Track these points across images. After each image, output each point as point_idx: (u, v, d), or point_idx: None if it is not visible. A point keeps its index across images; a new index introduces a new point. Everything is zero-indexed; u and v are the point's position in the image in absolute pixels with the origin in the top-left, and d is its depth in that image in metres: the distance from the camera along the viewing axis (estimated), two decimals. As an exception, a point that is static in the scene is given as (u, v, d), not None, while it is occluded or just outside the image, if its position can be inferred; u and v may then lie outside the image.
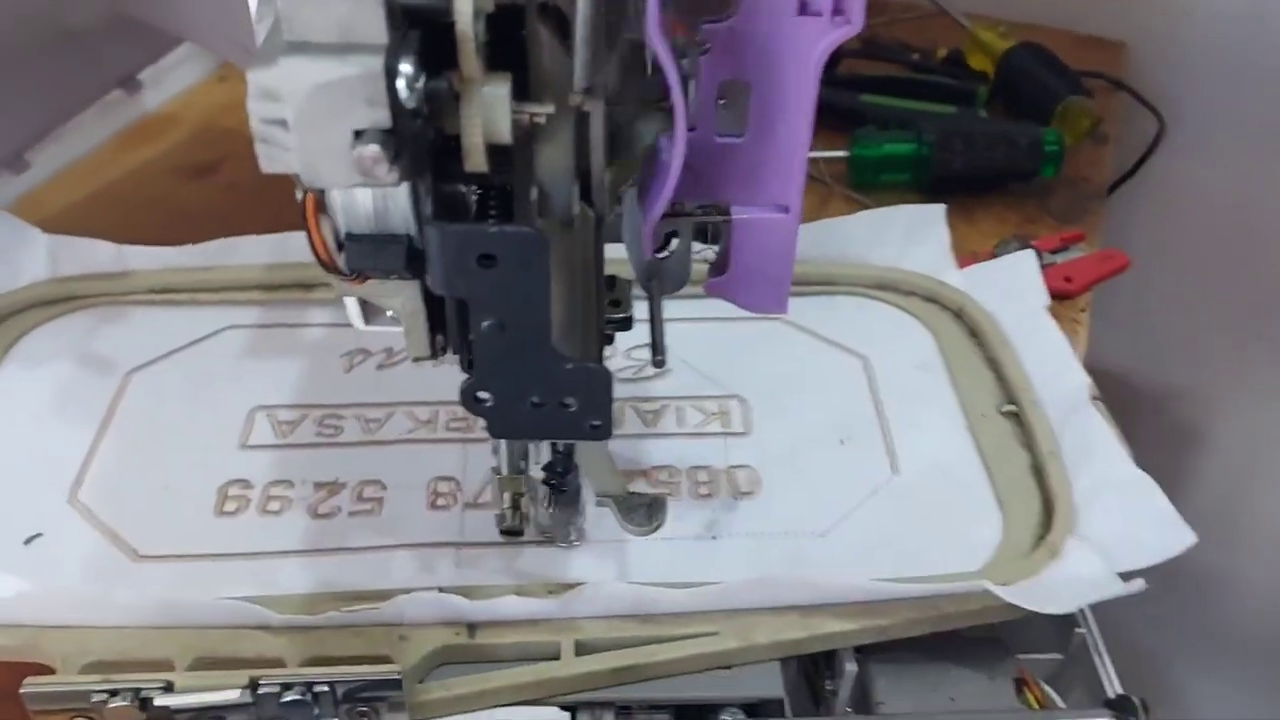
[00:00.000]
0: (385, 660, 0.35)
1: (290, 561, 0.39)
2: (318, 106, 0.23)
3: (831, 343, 0.49)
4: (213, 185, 0.64)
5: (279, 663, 0.35)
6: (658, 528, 0.37)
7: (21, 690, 0.32)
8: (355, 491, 0.42)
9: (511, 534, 0.37)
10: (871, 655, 0.36)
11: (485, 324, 0.27)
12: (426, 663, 0.35)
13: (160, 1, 0.49)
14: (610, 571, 0.38)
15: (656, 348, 0.33)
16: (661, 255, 0.33)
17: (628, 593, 0.36)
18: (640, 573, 0.38)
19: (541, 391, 0.29)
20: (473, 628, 0.36)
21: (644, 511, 0.37)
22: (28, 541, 0.40)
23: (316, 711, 0.33)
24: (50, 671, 0.34)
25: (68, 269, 0.50)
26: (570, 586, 0.37)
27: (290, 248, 0.51)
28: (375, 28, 0.23)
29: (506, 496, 0.36)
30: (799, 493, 0.42)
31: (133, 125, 0.69)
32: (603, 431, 0.29)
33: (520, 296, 0.27)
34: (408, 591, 0.37)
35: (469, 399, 0.29)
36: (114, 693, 0.32)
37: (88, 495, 0.42)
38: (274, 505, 0.42)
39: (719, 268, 0.33)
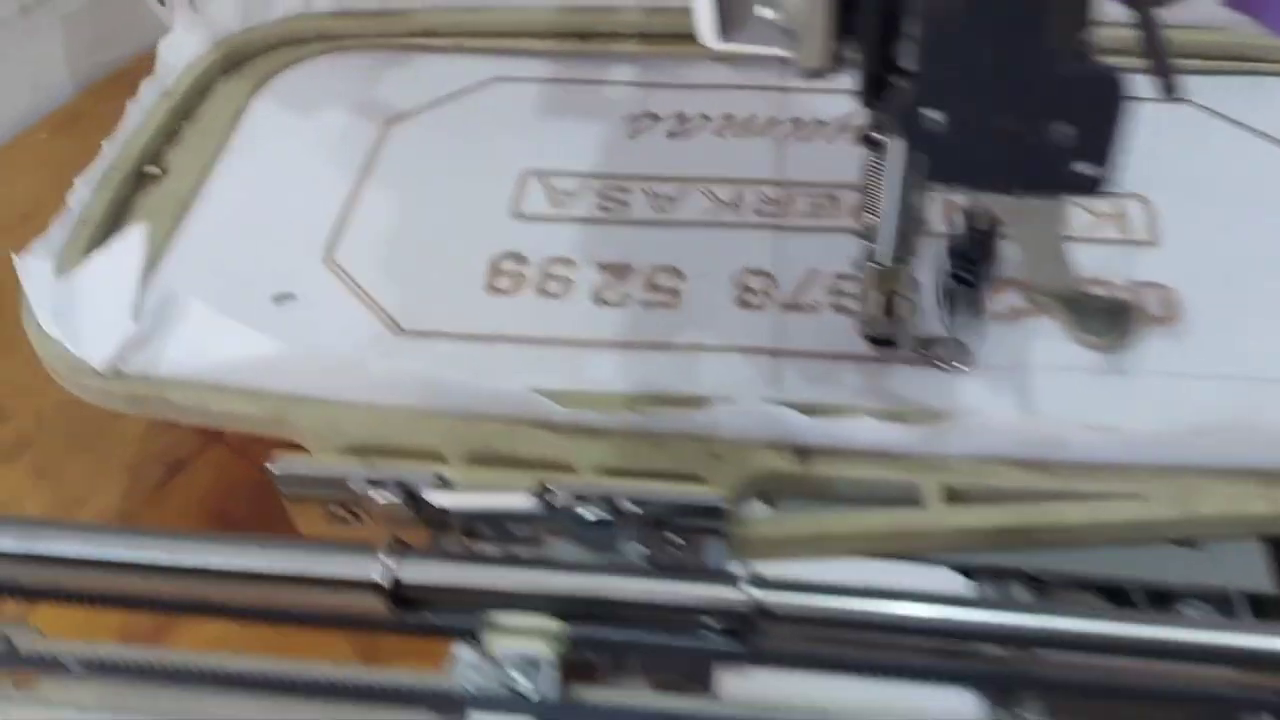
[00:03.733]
0: (694, 479, 0.28)
1: (574, 353, 0.33)
2: None
3: (1264, 136, 0.37)
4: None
5: (566, 468, 0.28)
6: (1122, 341, 0.28)
7: (270, 466, 0.27)
8: (647, 278, 0.35)
9: (880, 343, 0.29)
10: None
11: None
12: (744, 489, 0.28)
13: None
14: (990, 403, 0.29)
15: (1162, 73, 0.23)
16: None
17: (1024, 427, 0.27)
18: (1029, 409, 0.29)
19: (1022, 108, 0.19)
20: (804, 453, 0.28)
21: (1104, 318, 0.28)
22: (278, 301, 0.34)
23: (616, 532, 0.26)
24: (301, 450, 0.29)
25: (320, 4, 0.44)
26: (938, 416, 0.28)
27: None
28: None
29: (874, 296, 0.28)
30: (1237, 325, 0.31)
31: None
32: (1100, 182, 0.20)
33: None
34: (724, 401, 0.30)
35: (909, 119, 0.20)
36: (377, 483, 0.26)
37: (345, 256, 0.36)
38: (553, 286, 0.35)
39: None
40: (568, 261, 0.35)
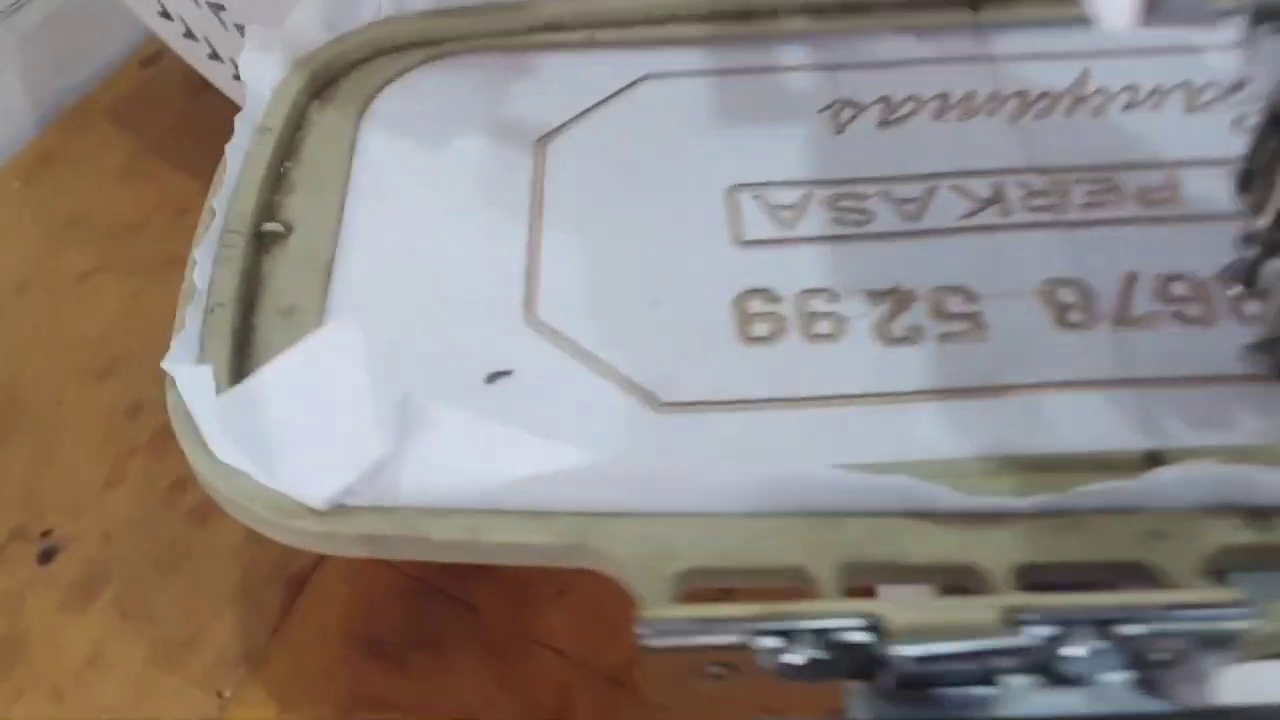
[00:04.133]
0: (1135, 566, 0.22)
1: (888, 411, 0.26)
2: None
3: None
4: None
5: (969, 571, 0.22)
6: None
7: (640, 629, 0.20)
8: (933, 304, 0.28)
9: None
10: None
11: None
12: (1199, 571, 0.22)
13: None
14: None
15: None
16: None
17: None
18: None
19: None
20: (1262, 515, 0.23)
21: None
22: (491, 380, 0.27)
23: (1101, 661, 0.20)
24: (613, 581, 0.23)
25: (415, 2, 0.36)
26: None
27: None
28: None
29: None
30: None
31: None
32: None
33: None
34: (1105, 454, 0.24)
35: None
36: (776, 631, 0.20)
37: (551, 314, 0.29)
38: (821, 325, 0.28)
39: None
40: (827, 293, 0.29)
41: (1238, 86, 0.33)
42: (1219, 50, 0.34)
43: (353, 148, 0.33)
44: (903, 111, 0.34)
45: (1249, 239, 0.25)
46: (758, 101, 0.34)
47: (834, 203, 0.31)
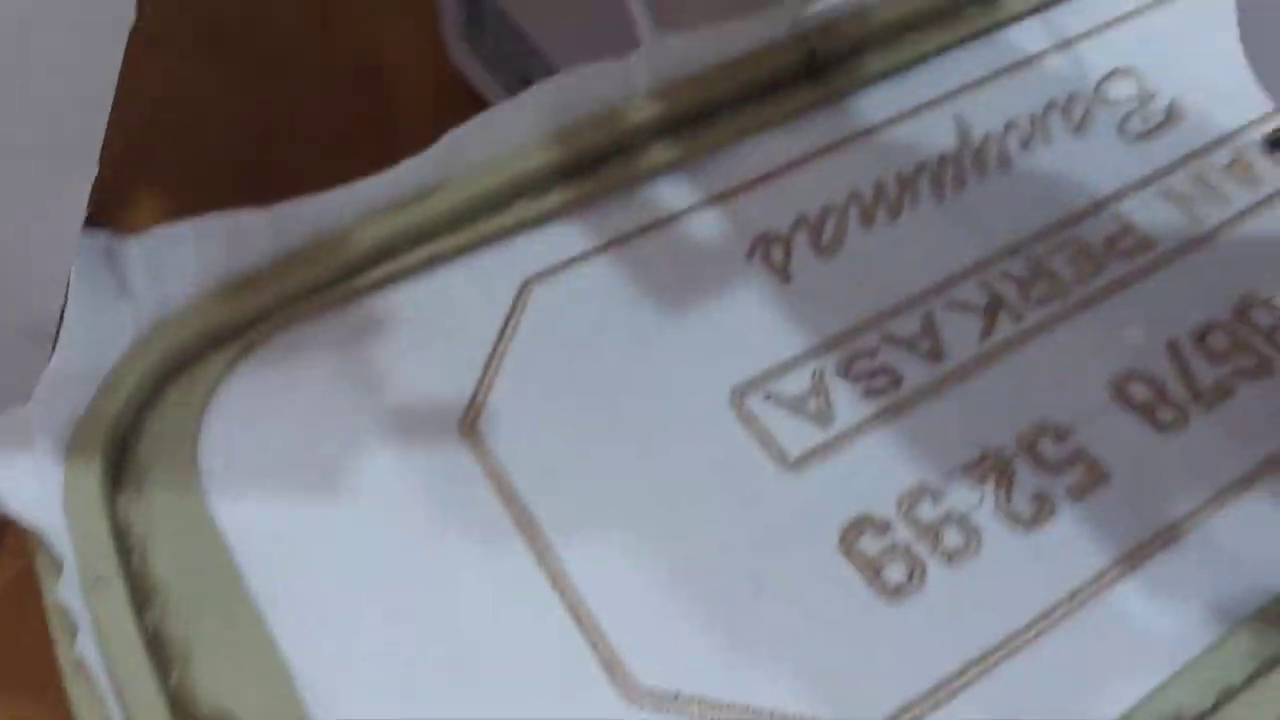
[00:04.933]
0: None
1: (1093, 608, 0.22)
2: None
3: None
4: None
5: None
6: None
7: None
8: (1029, 459, 0.25)
9: None
10: None
11: None
12: None
13: None
14: None
15: None
16: None
17: None
18: None
19: None
20: None
21: None
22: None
23: None
24: None
25: (207, 279, 0.25)
26: None
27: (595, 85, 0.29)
28: None
29: None
30: None
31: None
32: None
33: None
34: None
35: None
36: None
37: (652, 674, 0.21)
38: (952, 538, 0.24)
39: None
40: (930, 494, 0.24)
41: (1098, 94, 0.33)
42: (1056, 53, 0.33)
43: (216, 534, 0.23)
44: (829, 231, 0.29)
45: None
46: (673, 269, 0.28)
47: (848, 370, 0.26)
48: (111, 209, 0.38)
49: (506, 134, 0.28)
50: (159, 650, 0.21)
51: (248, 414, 0.25)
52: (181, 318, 0.25)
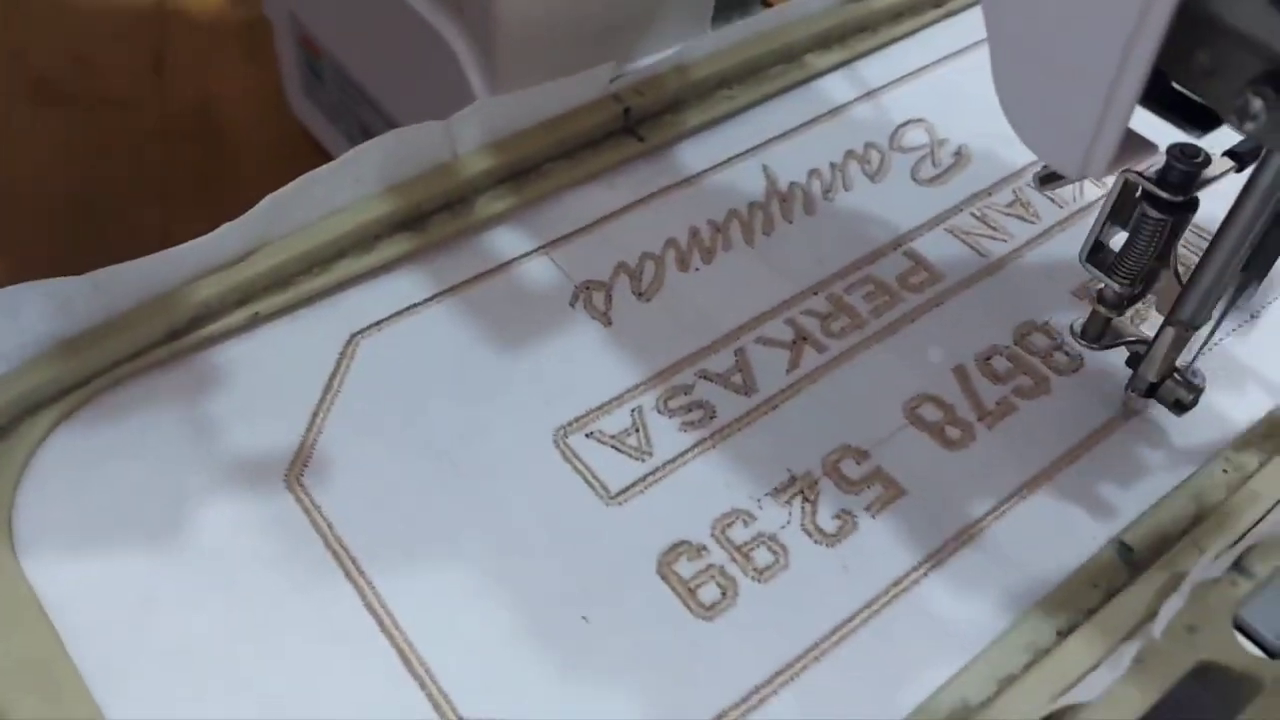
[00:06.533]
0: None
1: (890, 618, 0.24)
2: None
3: None
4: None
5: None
6: None
7: None
8: (833, 476, 0.27)
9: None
10: None
11: None
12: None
13: None
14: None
15: None
16: None
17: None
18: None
19: None
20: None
21: None
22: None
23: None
24: None
25: (29, 345, 0.25)
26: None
27: (420, 144, 0.30)
28: None
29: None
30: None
31: None
32: None
33: None
34: (1087, 566, 0.25)
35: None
36: None
37: (471, 705, 0.22)
38: (762, 556, 0.25)
39: None
40: (740, 514, 0.26)
41: (894, 142, 0.35)
42: (860, 104, 0.36)
43: (38, 611, 0.23)
44: (648, 277, 0.31)
45: (1101, 300, 0.27)
46: (500, 318, 0.29)
47: (664, 406, 0.28)
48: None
49: (330, 194, 0.29)
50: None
51: (69, 478, 0.25)
52: (-2, 384, 0.25)
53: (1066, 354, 0.29)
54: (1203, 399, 0.27)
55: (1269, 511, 0.25)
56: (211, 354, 0.27)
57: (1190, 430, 0.28)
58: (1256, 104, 0.19)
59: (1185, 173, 0.24)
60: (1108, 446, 0.28)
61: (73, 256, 0.27)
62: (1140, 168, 0.24)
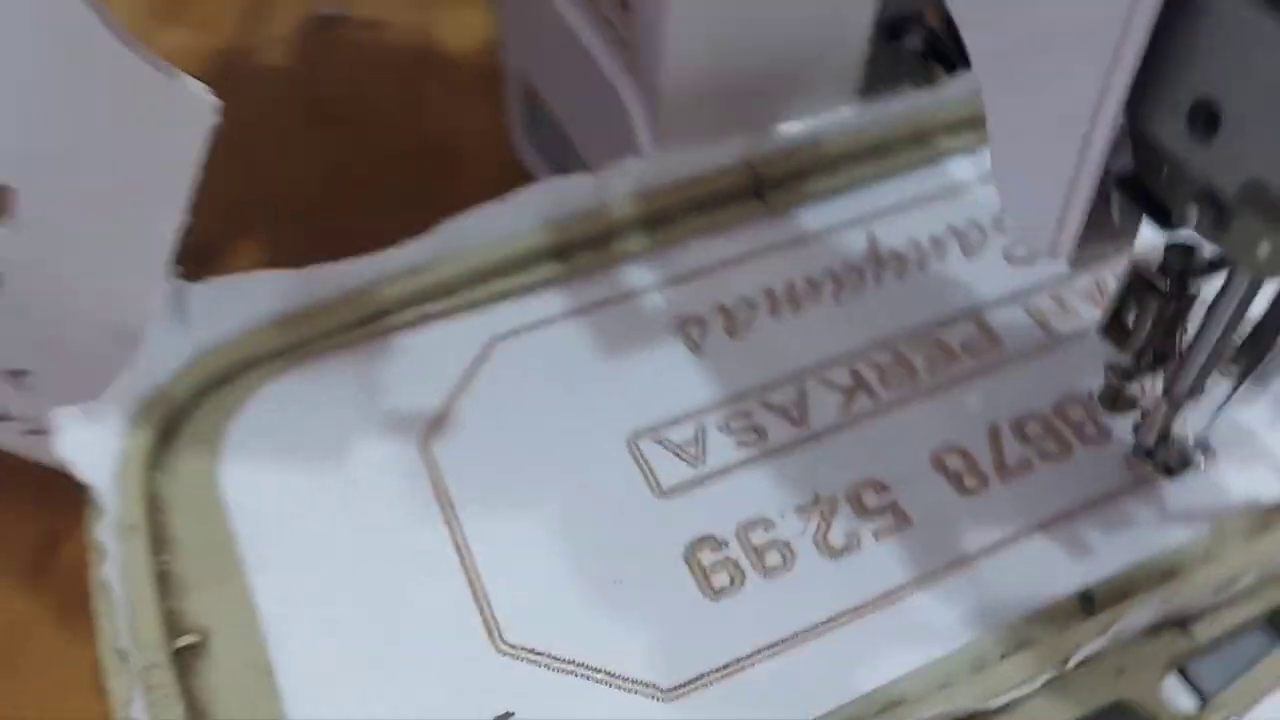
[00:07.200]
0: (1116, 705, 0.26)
1: (866, 625, 0.29)
2: None
3: None
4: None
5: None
6: None
7: None
8: (853, 502, 0.31)
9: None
10: None
11: None
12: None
13: None
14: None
15: None
16: None
17: None
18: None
19: None
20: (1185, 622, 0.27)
21: None
22: (501, 725, 0.27)
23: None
24: None
25: (249, 320, 0.34)
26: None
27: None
28: None
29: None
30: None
31: None
32: None
33: None
34: (1047, 608, 0.28)
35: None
36: None
37: (517, 633, 0.29)
38: (773, 558, 0.30)
39: None
40: (763, 522, 0.31)
41: (999, 222, 0.39)
42: (978, 185, 0.40)
43: (224, 508, 0.31)
44: (741, 317, 0.36)
45: (1112, 369, 0.30)
46: (612, 337, 0.36)
47: (727, 426, 0.33)
48: (212, 256, 0.48)
49: (497, 224, 0.37)
50: (163, 585, 0.29)
51: (270, 420, 0.33)
52: (225, 346, 0.34)
53: (1096, 424, 0.32)
54: (1210, 470, 0.29)
55: (1230, 582, 0.28)
56: (386, 341, 0.35)
57: (1191, 499, 0.30)
58: (1194, 212, 0.23)
59: (1178, 267, 0.27)
60: (1109, 507, 0.30)
61: (308, 252, 0.36)
62: (1114, 256, 0.27)
